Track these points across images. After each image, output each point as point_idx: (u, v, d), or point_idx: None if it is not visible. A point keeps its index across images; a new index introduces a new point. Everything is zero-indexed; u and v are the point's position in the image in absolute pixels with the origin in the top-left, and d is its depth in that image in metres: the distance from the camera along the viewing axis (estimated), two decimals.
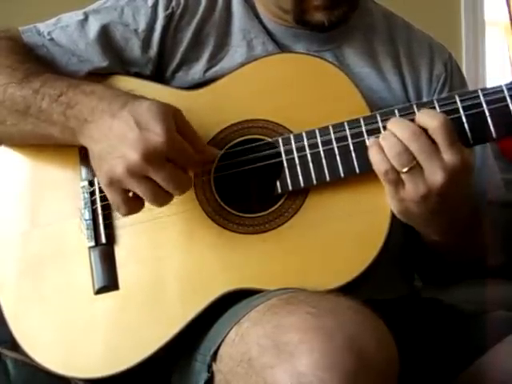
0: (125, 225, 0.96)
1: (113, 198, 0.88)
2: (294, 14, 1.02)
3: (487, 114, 0.87)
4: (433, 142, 0.84)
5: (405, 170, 0.83)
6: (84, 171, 0.99)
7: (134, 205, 0.89)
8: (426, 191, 0.84)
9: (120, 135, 0.85)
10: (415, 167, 0.83)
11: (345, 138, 0.91)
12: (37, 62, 0.99)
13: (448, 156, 0.83)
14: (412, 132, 0.84)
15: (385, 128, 0.88)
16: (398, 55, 1.09)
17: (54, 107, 0.92)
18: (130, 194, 0.88)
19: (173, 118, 0.86)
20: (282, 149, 0.93)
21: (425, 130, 0.84)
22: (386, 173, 0.84)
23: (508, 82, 0.88)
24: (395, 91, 1.06)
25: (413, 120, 0.86)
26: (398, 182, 0.85)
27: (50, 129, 0.94)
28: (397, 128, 0.85)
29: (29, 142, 1.00)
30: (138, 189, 0.86)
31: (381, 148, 0.85)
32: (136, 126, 0.84)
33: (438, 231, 0.93)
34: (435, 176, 0.83)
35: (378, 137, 0.86)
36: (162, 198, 0.87)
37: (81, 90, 0.91)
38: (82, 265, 0.96)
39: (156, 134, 0.83)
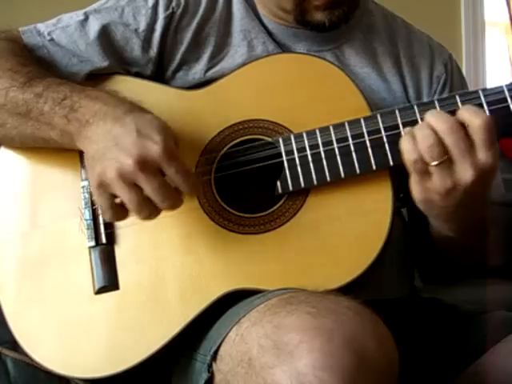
0: (125, 225, 0.96)
1: (99, 201, 0.87)
2: (295, 14, 1.02)
3: (488, 114, 0.87)
4: (469, 139, 0.83)
5: (435, 163, 0.82)
6: (84, 171, 0.99)
7: (119, 212, 0.87)
8: (453, 186, 0.83)
9: (117, 138, 0.85)
10: (446, 161, 0.82)
11: (345, 139, 0.91)
12: (38, 65, 0.99)
13: (484, 156, 0.82)
14: (450, 125, 0.82)
15: (386, 129, 0.88)
16: (398, 56, 1.09)
17: (56, 110, 0.92)
18: (117, 201, 0.87)
19: (172, 137, 0.86)
20: (282, 149, 0.93)
21: (463, 126, 0.83)
22: (414, 162, 0.83)
23: (508, 82, 0.89)
24: (395, 92, 1.06)
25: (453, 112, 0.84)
26: (425, 172, 0.84)
27: (50, 132, 0.93)
28: (435, 119, 0.84)
29: (29, 145, 1.00)
30: (125, 195, 0.84)
31: (413, 137, 0.84)
32: (135, 132, 0.84)
33: (455, 227, 0.93)
34: (465, 173, 0.82)
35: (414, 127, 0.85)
36: (147, 210, 0.85)
37: (86, 95, 0.91)
38: (82, 265, 0.96)
39: (154, 142, 0.83)
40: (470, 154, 0.82)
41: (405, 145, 0.84)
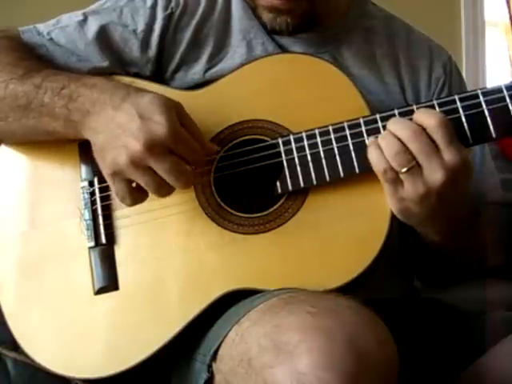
0: (125, 225, 0.96)
1: (117, 188, 0.88)
2: (253, 7, 1.04)
3: (487, 114, 0.87)
4: (432, 141, 0.84)
5: (404, 170, 0.83)
6: (84, 171, 0.99)
7: (138, 195, 0.89)
8: (426, 190, 0.84)
9: (122, 125, 0.85)
10: (414, 167, 0.83)
11: (344, 138, 0.91)
12: (37, 59, 0.99)
13: (447, 155, 0.83)
14: (412, 131, 0.84)
15: (384, 128, 0.88)
16: (397, 57, 1.09)
17: (56, 101, 0.92)
18: (134, 185, 0.88)
19: (175, 111, 0.86)
20: (281, 149, 0.93)
21: (424, 129, 0.84)
22: (384, 172, 0.84)
23: (508, 82, 0.89)
24: (393, 93, 1.06)
25: (411, 120, 0.86)
26: (396, 182, 0.85)
27: (53, 123, 0.94)
28: (396, 127, 0.85)
29: (31, 138, 1.00)
30: (140, 179, 0.86)
31: (379, 148, 0.85)
32: (138, 117, 0.84)
33: (436, 231, 0.93)
34: (435, 175, 0.83)
35: (377, 137, 0.86)
36: (164, 188, 0.87)
37: (82, 83, 0.92)
38: (82, 265, 0.96)
39: (159, 124, 0.84)
40: (435, 156, 0.83)
41: (372, 155, 0.85)
